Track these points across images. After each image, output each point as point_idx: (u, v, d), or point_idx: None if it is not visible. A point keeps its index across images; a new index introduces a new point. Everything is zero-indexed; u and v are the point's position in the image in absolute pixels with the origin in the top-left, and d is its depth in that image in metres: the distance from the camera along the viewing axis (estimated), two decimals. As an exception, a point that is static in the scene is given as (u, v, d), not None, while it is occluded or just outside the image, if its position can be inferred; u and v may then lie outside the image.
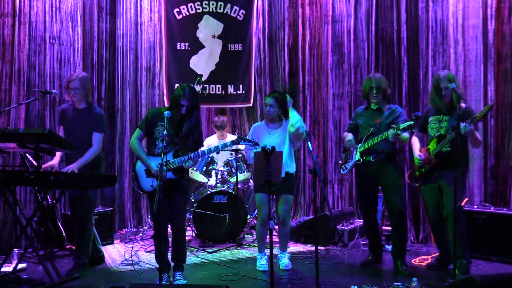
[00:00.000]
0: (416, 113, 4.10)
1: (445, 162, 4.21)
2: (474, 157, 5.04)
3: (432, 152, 4.26)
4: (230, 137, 6.39)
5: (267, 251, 4.41)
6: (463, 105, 4.20)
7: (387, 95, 4.49)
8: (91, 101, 4.41)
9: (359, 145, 4.48)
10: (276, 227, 4.94)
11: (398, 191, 4.40)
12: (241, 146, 5.80)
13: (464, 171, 4.34)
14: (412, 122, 4.02)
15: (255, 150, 3.87)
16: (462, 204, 4.43)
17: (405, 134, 4.19)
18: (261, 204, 4.46)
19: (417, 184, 4.54)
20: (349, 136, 4.60)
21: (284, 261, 4.52)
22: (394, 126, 4.16)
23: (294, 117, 4.45)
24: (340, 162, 4.74)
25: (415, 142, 4.53)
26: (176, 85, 5.45)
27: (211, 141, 6.22)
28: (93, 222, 4.69)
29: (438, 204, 4.37)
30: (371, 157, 4.41)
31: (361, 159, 4.46)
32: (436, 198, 4.37)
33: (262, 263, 4.54)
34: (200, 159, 3.93)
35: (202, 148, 3.99)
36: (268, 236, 3.88)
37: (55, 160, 4.41)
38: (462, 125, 3.95)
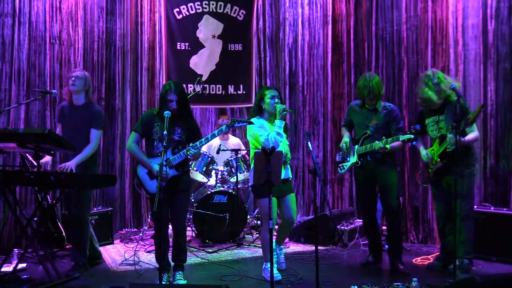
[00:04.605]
0: (416, 126, 4.06)
1: (451, 162, 4.19)
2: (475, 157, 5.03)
3: (436, 153, 4.26)
4: (233, 139, 6.39)
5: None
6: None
7: (382, 95, 4.48)
8: (91, 99, 4.41)
9: (356, 146, 4.47)
10: (276, 227, 4.92)
11: (393, 190, 4.41)
12: (241, 144, 5.81)
13: (471, 170, 4.32)
14: (412, 136, 4.02)
15: (256, 150, 3.82)
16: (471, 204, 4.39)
17: (394, 144, 4.19)
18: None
19: (425, 185, 4.54)
20: (345, 137, 4.57)
21: (280, 260, 4.46)
22: (383, 139, 4.17)
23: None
24: (337, 160, 4.71)
25: (418, 142, 4.49)
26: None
27: (212, 142, 6.19)
28: (93, 221, 4.71)
29: (447, 204, 4.35)
30: (368, 157, 4.42)
31: (359, 162, 4.46)
32: (445, 198, 4.37)
33: (274, 272, 3.96)
34: (200, 151, 3.86)
35: (203, 149, 3.99)
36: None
37: (48, 157, 4.40)
38: (450, 136, 4.01)
